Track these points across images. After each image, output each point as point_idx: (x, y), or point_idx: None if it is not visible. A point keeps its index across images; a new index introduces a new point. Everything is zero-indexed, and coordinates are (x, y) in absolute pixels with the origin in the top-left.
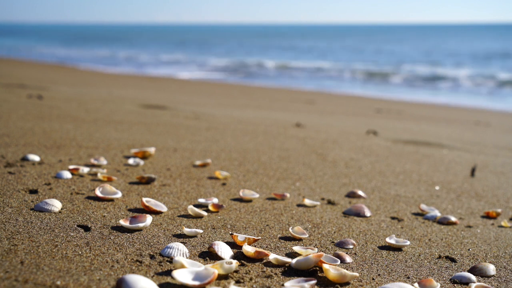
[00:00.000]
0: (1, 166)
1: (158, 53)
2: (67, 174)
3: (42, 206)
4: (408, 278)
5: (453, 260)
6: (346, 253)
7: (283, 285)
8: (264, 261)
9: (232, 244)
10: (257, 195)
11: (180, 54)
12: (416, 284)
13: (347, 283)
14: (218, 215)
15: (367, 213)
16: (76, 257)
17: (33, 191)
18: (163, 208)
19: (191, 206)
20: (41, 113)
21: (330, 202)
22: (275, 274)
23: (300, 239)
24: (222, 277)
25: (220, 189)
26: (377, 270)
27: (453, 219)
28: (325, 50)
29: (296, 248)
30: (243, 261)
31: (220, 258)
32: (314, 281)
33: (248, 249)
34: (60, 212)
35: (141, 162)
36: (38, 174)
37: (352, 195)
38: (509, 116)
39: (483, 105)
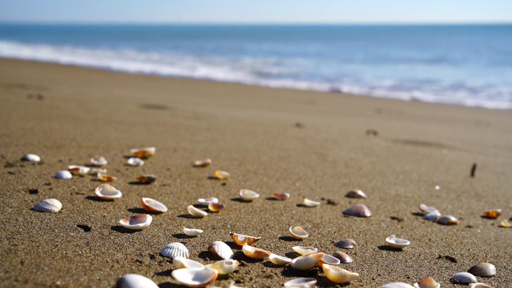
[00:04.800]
0: (1, 166)
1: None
2: (67, 174)
3: (42, 206)
4: (408, 278)
5: (453, 260)
6: (346, 253)
7: (283, 285)
8: (264, 261)
9: (232, 244)
10: (257, 195)
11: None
12: (416, 284)
13: (347, 283)
14: (218, 215)
15: (367, 213)
16: (76, 257)
17: (33, 191)
18: (163, 208)
19: (191, 206)
20: (41, 113)
21: (330, 202)
22: (275, 274)
23: (300, 239)
24: (222, 277)
25: (220, 189)
26: (377, 270)
27: (453, 219)
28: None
29: (296, 248)
30: (243, 261)
31: (220, 258)
32: (314, 281)
33: (248, 249)
34: (60, 212)
35: (141, 162)
36: (38, 174)
37: (352, 195)
38: (509, 116)
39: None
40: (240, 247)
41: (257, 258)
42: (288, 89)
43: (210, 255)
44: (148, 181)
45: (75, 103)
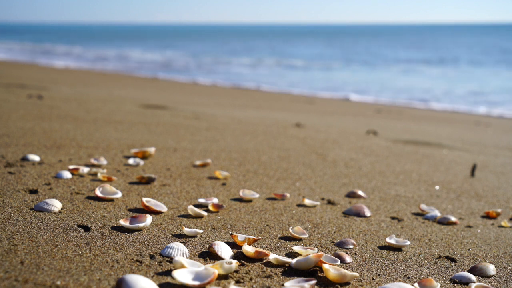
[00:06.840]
0: (1, 166)
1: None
2: (67, 174)
3: (42, 206)
4: (408, 278)
5: (453, 260)
6: (346, 253)
7: (283, 285)
8: (264, 261)
9: (232, 244)
10: (257, 195)
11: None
12: (416, 284)
13: (347, 283)
14: (218, 215)
15: (367, 213)
16: (76, 257)
17: (33, 191)
18: (163, 208)
19: (191, 206)
20: (41, 113)
21: (330, 202)
22: (275, 274)
23: (300, 239)
24: (222, 277)
25: (220, 189)
26: (377, 270)
27: (453, 219)
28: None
29: (296, 248)
30: (243, 261)
31: (220, 258)
32: (314, 281)
33: (248, 249)
34: (60, 212)
35: (141, 162)
36: (38, 174)
37: (352, 195)
38: (509, 117)
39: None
40: (240, 247)
41: (257, 258)
42: (288, 89)
43: (210, 255)
44: (148, 181)
45: (75, 103)
